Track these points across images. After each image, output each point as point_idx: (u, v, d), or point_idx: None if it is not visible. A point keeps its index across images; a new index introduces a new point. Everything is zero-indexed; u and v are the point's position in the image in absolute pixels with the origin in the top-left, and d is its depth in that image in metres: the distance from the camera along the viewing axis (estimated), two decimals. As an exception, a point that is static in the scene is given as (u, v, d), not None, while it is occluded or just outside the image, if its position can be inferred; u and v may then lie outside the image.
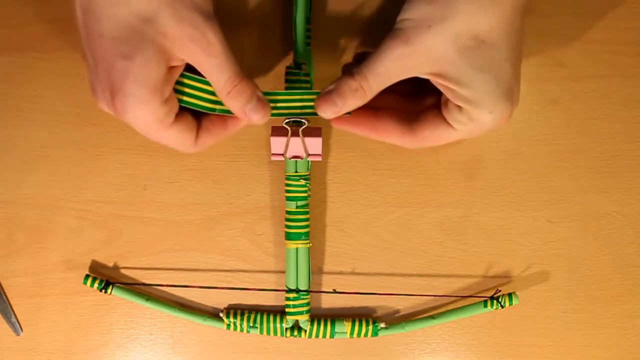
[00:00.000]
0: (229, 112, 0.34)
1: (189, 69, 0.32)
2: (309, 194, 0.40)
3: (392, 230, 0.42)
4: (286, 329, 0.41)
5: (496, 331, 0.43)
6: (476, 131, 0.34)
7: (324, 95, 0.33)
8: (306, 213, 0.40)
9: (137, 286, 0.43)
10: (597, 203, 0.42)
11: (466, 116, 0.33)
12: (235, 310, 0.42)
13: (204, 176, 0.42)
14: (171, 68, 0.31)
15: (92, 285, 0.41)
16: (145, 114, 0.30)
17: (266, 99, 0.34)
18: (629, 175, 0.42)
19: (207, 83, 0.33)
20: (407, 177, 0.42)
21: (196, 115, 0.34)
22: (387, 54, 0.31)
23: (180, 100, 0.33)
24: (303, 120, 0.36)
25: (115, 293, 0.42)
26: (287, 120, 0.36)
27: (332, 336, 0.41)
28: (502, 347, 0.43)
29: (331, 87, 0.33)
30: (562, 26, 0.41)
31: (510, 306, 0.40)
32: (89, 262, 0.43)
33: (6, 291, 0.43)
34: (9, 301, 0.43)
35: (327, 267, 0.43)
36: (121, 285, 0.42)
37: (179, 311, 0.42)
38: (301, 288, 0.40)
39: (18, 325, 0.43)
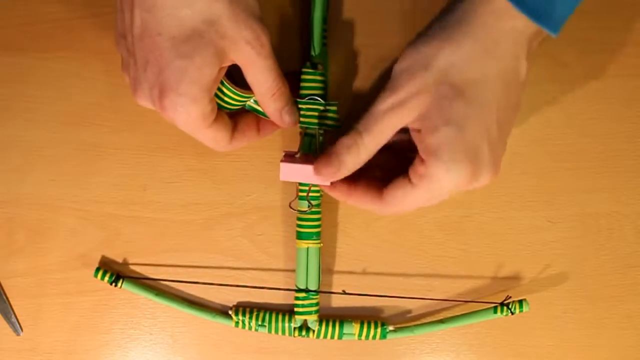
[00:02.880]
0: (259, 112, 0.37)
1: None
2: (321, 194, 0.40)
3: (392, 231, 0.42)
4: (294, 328, 0.41)
5: (496, 331, 0.43)
6: (436, 191, 0.32)
7: (322, 158, 0.34)
8: (318, 213, 0.39)
9: (146, 281, 0.43)
10: (597, 203, 0.42)
11: (425, 170, 0.31)
12: (245, 308, 0.42)
13: (204, 176, 0.42)
14: (221, 69, 0.32)
15: (102, 278, 0.41)
16: (194, 112, 0.31)
17: (296, 106, 0.37)
18: (629, 175, 0.42)
19: (234, 92, 0.34)
20: (407, 177, 0.42)
21: (232, 117, 0.36)
22: (377, 107, 0.32)
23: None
24: (320, 130, 0.38)
25: (126, 287, 0.42)
26: (298, 154, 0.37)
27: (340, 337, 0.41)
28: (502, 347, 0.43)
29: (327, 151, 0.34)
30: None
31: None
32: (89, 262, 0.43)
33: (6, 291, 0.43)
34: (9, 301, 0.43)
35: (330, 267, 0.43)
36: (132, 279, 0.42)
37: (187, 307, 0.42)
38: (311, 288, 0.40)
39: (18, 325, 0.43)
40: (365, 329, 0.41)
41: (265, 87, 0.33)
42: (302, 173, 0.36)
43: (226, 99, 0.35)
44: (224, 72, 0.33)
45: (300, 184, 0.39)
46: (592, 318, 0.43)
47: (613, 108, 0.42)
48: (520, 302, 0.40)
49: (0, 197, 0.43)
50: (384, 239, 0.43)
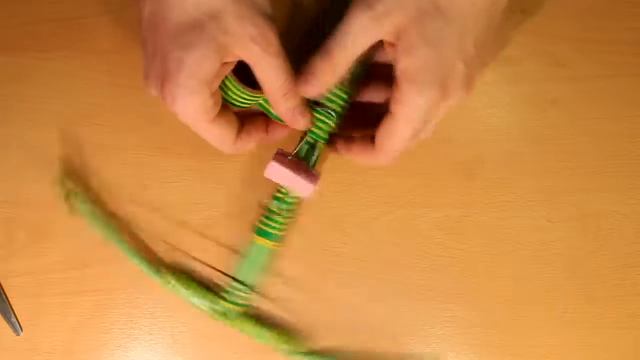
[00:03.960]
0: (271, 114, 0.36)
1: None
2: (296, 201, 0.40)
3: (392, 231, 0.42)
4: (215, 310, 0.41)
5: (496, 331, 0.43)
6: (414, 116, 0.32)
7: (302, 79, 0.34)
8: (287, 217, 0.40)
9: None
10: (597, 203, 0.42)
11: (400, 95, 0.31)
12: (179, 273, 0.42)
13: (204, 176, 0.42)
14: (225, 64, 0.31)
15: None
16: (192, 105, 0.31)
17: (310, 109, 0.36)
18: (629, 175, 0.42)
19: (240, 90, 0.34)
20: (407, 177, 0.42)
21: (240, 118, 0.36)
22: (352, 23, 0.31)
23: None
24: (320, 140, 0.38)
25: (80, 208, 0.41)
26: (292, 156, 0.37)
27: (255, 338, 0.42)
28: (502, 347, 0.43)
29: (305, 70, 0.34)
30: (562, 26, 0.41)
31: (511, 306, 0.40)
32: (89, 262, 0.43)
33: (6, 291, 0.43)
34: (9, 301, 0.43)
35: (327, 267, 0.43)
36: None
37: (131, 256, 0.41)
38: (248, 282, 0.40)
39: (18, 325, 0.43)
40: (277, 341, 0.41)
41: (276, 87, 0.33)
42: (288, 179, 0.36)
43: (234, 96, 0.34)
44: (230, 68, 0.32)
45: (280, 187, 0.39)
46: (592, 318, 0.43)
47: (613, 108, 0.42)
48: None
49: (0, 197, 0.43)
50: (383, 239, 0.43)
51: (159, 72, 0.31)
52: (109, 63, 0.42)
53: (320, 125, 0.37)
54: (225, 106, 0.34)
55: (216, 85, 0.32)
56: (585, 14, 0.41)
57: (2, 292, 0.43)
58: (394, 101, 0.32)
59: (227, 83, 0.33)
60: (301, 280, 0.43)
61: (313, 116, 0.37)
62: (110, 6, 0.42)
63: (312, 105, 0.37)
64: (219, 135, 0.34)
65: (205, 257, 0.43)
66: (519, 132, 0.42)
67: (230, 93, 0.34)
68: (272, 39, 0.31)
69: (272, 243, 0.39)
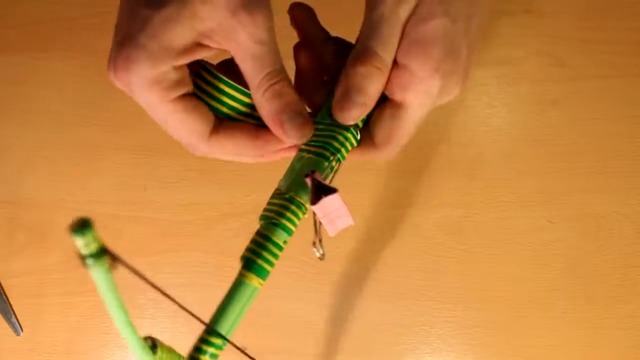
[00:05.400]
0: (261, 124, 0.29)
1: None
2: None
3: (391, 230, 0.42)
4: None
5: (496, 331, 0.43)
6: (425, 100, 0.27)
7: (340, 101, 0.27)
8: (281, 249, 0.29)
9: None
10: (597, 203, 0.42)
11: (410, 77, 0.26)
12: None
13: (204, 176, 0.42)
14: (198, 45, 0.26)
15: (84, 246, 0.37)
16: (148, 72, 0.25)
17: (311, 120, 0.28)
18: (629, 175, 0.42)
19: (238, 90, 0.28)
20: (407, 177, 0.42)
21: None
22: (380, 11, 0.26)
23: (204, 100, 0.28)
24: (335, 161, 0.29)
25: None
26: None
27: None
28: (502, 347, 0.43)
29: (340, 89, 0.27)
30: (562, 26, 0.41)
31: (511, 306, 0.40)
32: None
33: (6, 291, 0.43)
34: (9, 301, 0.43)
35: (327, 267, 0.43)
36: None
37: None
38: (228, 335, 0.28)
39: (18, 325, 0.43)
40: None
41: (256, 81, 0.27)
42: (336, 209, 0.27)
43: (224, 98, 0.28)
44: (203, 53, 0.26)
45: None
46: (592, 318, 0.43)
47: (613, 108, 0.42)
48: None
49: (0, 197, 0.43)
50: (383, 239, 0.43)
51: (120, 38, 0.26)
52: (109, 63, 0.42)
53: (348, 145, 0.30)
54: (196, 98, 0.28)
55: (182, 61, 0.26)
56: (585, 14, 0.41)
57: (2, 292, 0.43)
58: (399, 89, 0.27)
59: (220, 85, 0.28)
60: (300, 280, 0.43)
61: (312, 129, 0.29)
62: (110, 7, 0.42)
63: (332, 122, 0.29)
64: (184, 121, 0.27)
65: (206, 257, 0.43)
66: (519, 132, 0.42)
67: (224, 97, 0.28)
68: (261, 23, 0.26)
69: (261, 281, 0.29)
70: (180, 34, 0.25)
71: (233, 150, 0.29)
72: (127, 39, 0.25)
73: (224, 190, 0.42)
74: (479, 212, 0.42)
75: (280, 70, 0.27)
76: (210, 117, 0.28)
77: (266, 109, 0.28)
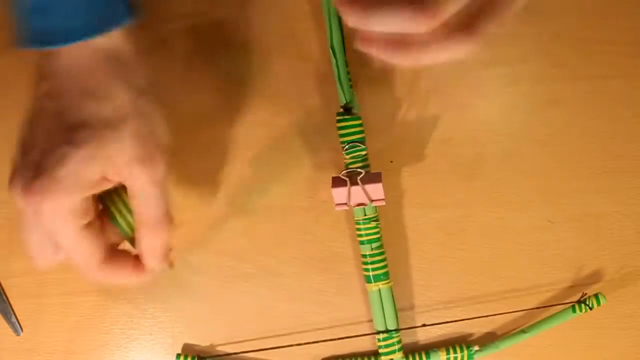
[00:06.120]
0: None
1: None
2: (381, 235, 0.40)
3: (392, 230, 0.42)
4: None
5: (496, 331, 0.43)
6: None
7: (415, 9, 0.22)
8: (382, 254, 0.40)
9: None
10: (597, 203, 0.42)
11: None
12: None
13: (203, 176, 0.42)
14: (105, 179, 0.30)
15: None
16: (66, 203, 0.29)
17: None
18: (629, 175, 0.42)
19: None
20: (407, 177, 0.42)
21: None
22: None
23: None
24: (361, 170, 0.38)
25: None
26: (344, 172, 0.37)
27: None
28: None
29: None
30: (562, 26, 0.41)
31: (511, 306, 0.40)
32: (89, 262, 0.43)
33: (6, 291, 0.43)
34: (9, 301, 0.43)
35: (326, 267, 0.43)
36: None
37: None
38: (390, 327, 0.40)
39: (18, 325, 0.43)
40: (452, 356, 0.41)
41: (155, 217, 0.32)
42: (356, 194, 0.37)
43: (129, 216, 0.33)
44: (105, 186, 0.31)
45: (357, 229, 0.40)
46: (592, 318, 0.43)
47: (613, 108, 0.42)
48: (597, 296, 0.40)
49: (0, 197, 0.43)
50: (383, 239, 0.42)
51: (31, 167, 0.29)
52: (109, 63, 0.42)
53: (355, 160, 0.39)
54: (96, 224, 0.32)
55: (91, 191, 0.30)
56: (584, 13, 0.41)
57: (2, 292, 0.43)
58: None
59: (123, 208, 0.33)
60: (301, 279, 0.43)
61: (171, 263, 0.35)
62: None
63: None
64: (84, 247, 0.31)
65: (206, 257, 0.43)
66: (519, 132, 0.42)
67: (129, 217, 0.33)
68: (162, 169, 0.31)
69: (384, 283, 0.40)
70: (92, 172, 0.29)
71: (115, 274, 0.33)
72: (42, 172, 0.29)
73: (224, 190, 0.42)
74: (479, 212, 0.42)
75: (170, 210, 0.33)
76: (105, 245, 0.32)
77: (154, 243, 0.33)
